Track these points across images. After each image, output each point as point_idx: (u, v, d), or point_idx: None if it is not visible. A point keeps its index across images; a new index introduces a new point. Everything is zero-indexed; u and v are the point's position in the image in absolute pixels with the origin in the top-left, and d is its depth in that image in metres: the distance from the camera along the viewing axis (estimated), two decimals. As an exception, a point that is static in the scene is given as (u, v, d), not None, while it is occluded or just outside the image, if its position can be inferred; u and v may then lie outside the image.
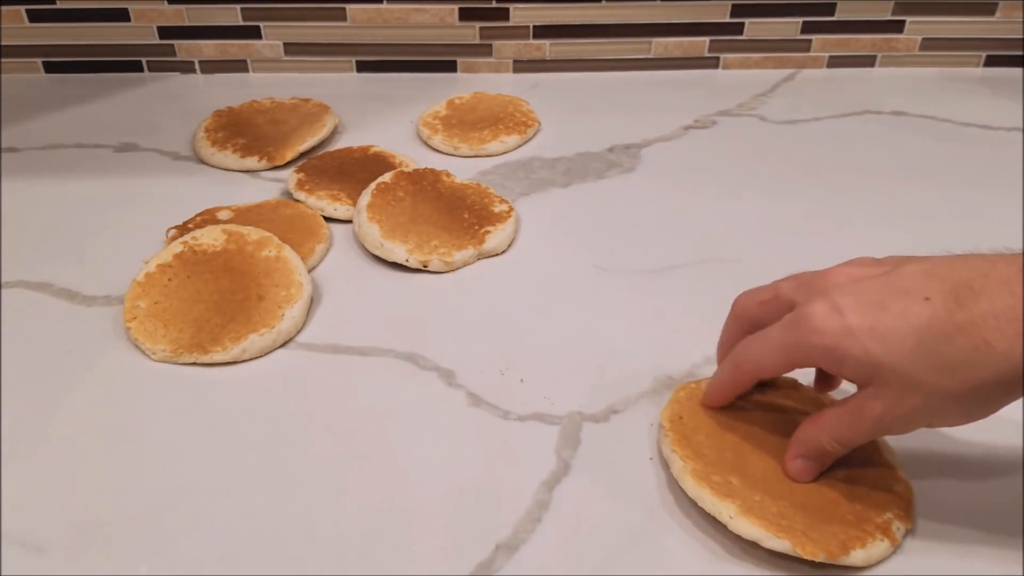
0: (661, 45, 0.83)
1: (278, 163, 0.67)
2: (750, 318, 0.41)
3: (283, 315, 0.50)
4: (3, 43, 0.82)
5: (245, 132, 0.71)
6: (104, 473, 0.42)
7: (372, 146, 0.69)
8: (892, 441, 0.42)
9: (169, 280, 0.53)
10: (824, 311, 0.36)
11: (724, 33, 0.82)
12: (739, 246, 0.59)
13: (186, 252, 0.54)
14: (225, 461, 0.43)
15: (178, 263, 0.54)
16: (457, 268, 0.56)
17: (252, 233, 0.56)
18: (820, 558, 0.36)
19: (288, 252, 0.55)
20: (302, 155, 0.69)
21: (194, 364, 0.49)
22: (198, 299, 0.52)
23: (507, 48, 0.83)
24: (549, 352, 0.50)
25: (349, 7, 0.80)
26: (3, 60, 0.83)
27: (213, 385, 0.48)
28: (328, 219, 0.61)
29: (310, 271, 0.57)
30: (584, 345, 0.50)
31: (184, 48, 0.83)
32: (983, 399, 0.34)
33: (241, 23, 0.81)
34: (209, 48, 0.83)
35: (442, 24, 0.81)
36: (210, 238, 0.55)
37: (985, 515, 0.39)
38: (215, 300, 0.52)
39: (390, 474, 0.42)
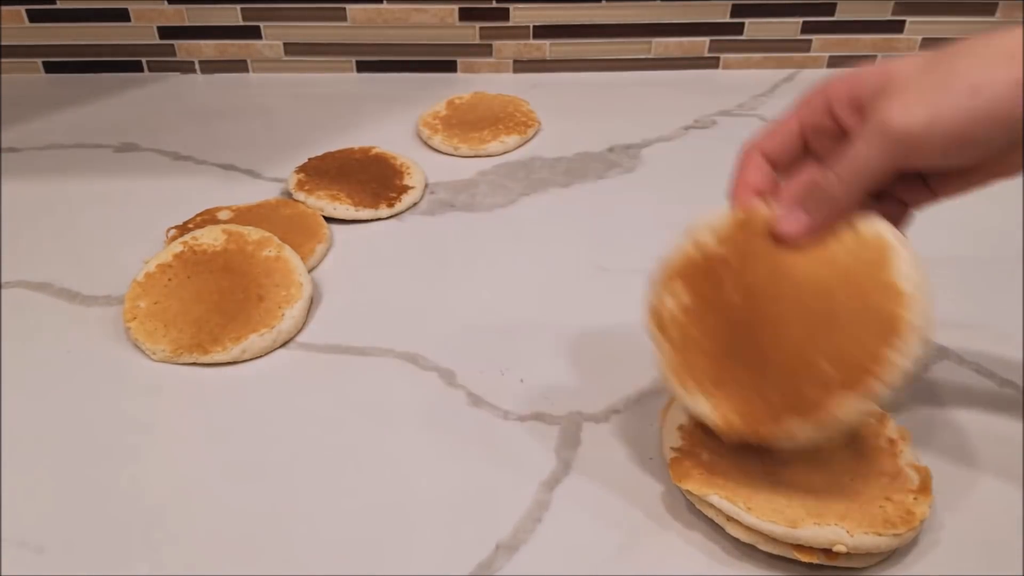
0: (661, 45, 0.83)
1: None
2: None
3: (283, 315, 0.50)
4: (3, 43, 0.82)
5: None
6: (104, 473, 0.42)
7: (373, 147, 0.69)
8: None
9: (169, 280, 0.53)
10: None
11: (724, 33, 0.82)
12: (739, 246, 0.58)
13: (186, 252, 0.54)
14: (225, 461, 0.43)
15: (178, 263, 0.54)
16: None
17: (252, 233, 0.56)
18: (817, 559, 0.36)
19: (288, 252, 0.55)
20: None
21: (194, 364, 0.49)
22: (198, 299, 0.52)
23: (507, 48, 0.83)
24: (549, 352, 0.50)
25: (349, 7, 0.80)
26: (3, 60, 0.83)
27: (213, 385, 0.48)
28: (328, 219, 0.61)
29: (310, 271, 0.57)
30: (584, 345, 0.50)
31: (184, 48, 0.83)
32: (989, 68, 0.33)
33: (241, 23, 0.81)
34: (209, 48, 0.83)
35: (442, 24, 0.81)
36: (210, 238, 0.55)
37: (993, 515, 0.40)
38: (215, 300, 0.52)
39: (390, 474, 0.42)
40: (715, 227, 0.38)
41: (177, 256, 0.54)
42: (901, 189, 0.38)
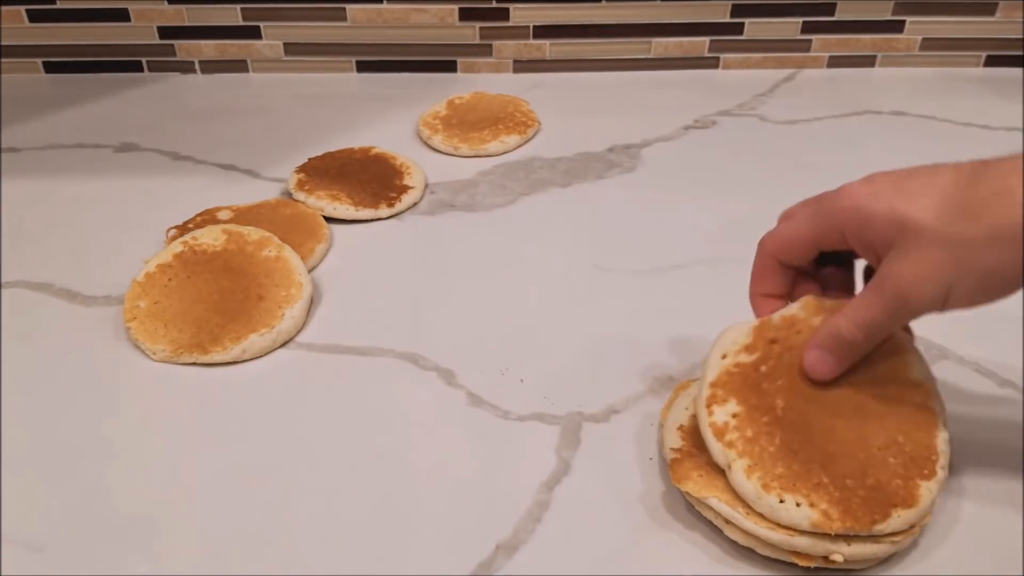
0: (661, 45, 0.83)
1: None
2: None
3: (283, 315, 0.50)
4: (3, 43, 0.82)
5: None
6: (104, 473, 0.42)
7: (373, 147, 0.69)
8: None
9: (169, 280, 0.53)
10: (858, 182, 0.37)
11: (724, 33, 0.82)
12: (739, 246, 0.58)
13: (186, 252, 0.54)
14: (225, 461, 0.43)
15: (178, 263, 0.54)
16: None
17: (252, 233, 0.56)
18: (815, 563, 0.36)
19: (288, 252, 0.55)
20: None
21: (194, 364, 0.49)
22: (198, 299, 0.52)
23: (507, 48, 0.83)
24: (549, 352, 0.50)
25: (349, 7, 0.80)
26: (3, 60, 0.83)
27: (213, 385, 0.48)
28: (328, 219, 0.61)
29: (310, 271, 0.56)
30: (584, 345, 0.50)
31: (184, 48, 0.83)
32: (1002, 251, 0.33)
33: (241, 23, 0.81)
34: (209, 48, 0.83)
35: (442, 24, 0.81)
36: (210, 238, 0.55)
37: (994, 514, 0.40)
38: (215, 300, 0.52)
39: (390, 474, 0.42)
40: (740, 341, 0.40)
41: (177, 256, 0.54)
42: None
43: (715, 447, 0.38)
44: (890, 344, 0.39)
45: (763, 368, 0.39)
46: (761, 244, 0.41)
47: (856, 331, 0.37)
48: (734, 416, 0.38)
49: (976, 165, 0.35)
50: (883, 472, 0.36)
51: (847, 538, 0.36)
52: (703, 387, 0.39)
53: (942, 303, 0.35)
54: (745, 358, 0.40)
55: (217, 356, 0.49)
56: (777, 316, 0.41)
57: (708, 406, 0.39)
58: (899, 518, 0.35)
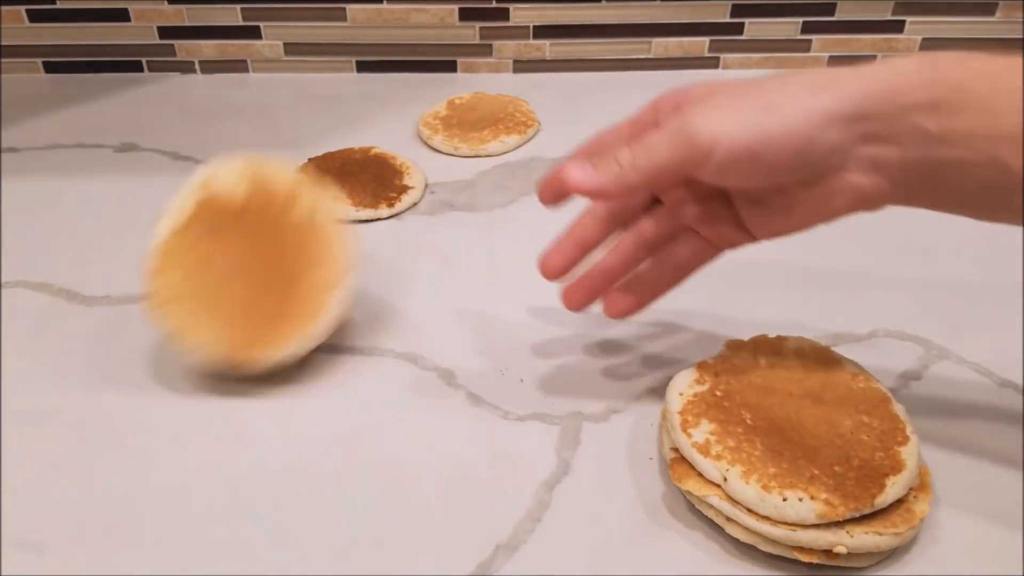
0: (661, 45, 0.83)
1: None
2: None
3: (328, 303, 0.43)
4: (3, 43, 0.82)
5: None
6: (104, 473, 0.42)
7: (373, 147, 0.69)
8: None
9: (193, 246, 0.43)
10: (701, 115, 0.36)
11: (724, 33, 0.82)
12: (739, 246, 0.58)
13: (204, 209, 0.45)
14: (225, 461, 0.43)
15: (200, 225, 0.45)
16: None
17: (278, 180, 0.46)
18: (817, 559, 0.36)
19: (326, 212, 0.46)
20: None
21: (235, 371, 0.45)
22: (233, 276, 0.44)
23: (507, 48, 0.83)
24: (549, 352, 0.50)
25: (349, 7, 0.80)
26: (3, 60, 0.83)
27: (214, 385, 0.48)
28: (328, 219, 0.61)
29: (310, 271, 0.56)
30: (584, 345, 0.50)
31: (184, 48, 0.83)
32: (792, 91, 0.34)
33: (241, 23, 0.81)
34: (209, 48, 0.83)
35: (442, 24, 0.81)
36: (229, 183, 0.46)
37: (994, 513, 0.40)
38: (255, 279, 0.44)
39: (390, 474, 0.42)
40: (690, 379, 0.42)
41: (196, 215, 0.46)
42: (714, 225, 0.40)
43: (705, 464, 0.38)
44: (821, 355, 0.43)
45: (718, 392, 0.41)
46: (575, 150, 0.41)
47: (627, 154, 0.36)
48: (712, 433, 0.39)
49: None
50: (863, 451, 0.38)
51: (849, 530, 0.36)
52: (673, 420, 0.40)
53: (716, 135, 0.34)
54: (699, 388, 0.42)
55: (268, 356, 0.43)
56: (710, 359, 0.43)
57: (684, 431, 0.39)
58: (895, 485, 0.36)
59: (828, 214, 0.36)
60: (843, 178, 0.35)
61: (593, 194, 0.37)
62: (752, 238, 0.40)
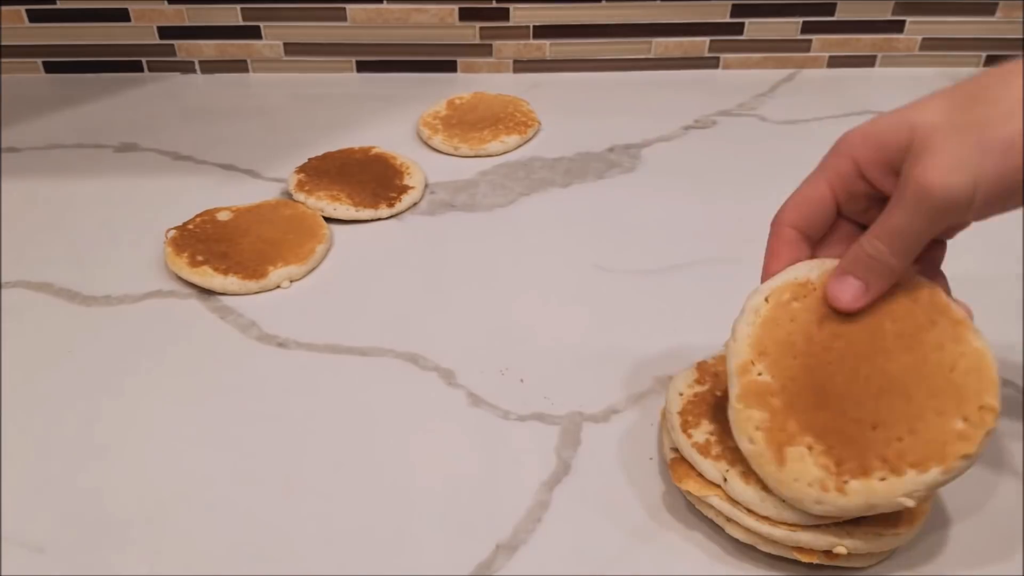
0: (661, 45, 0.83)
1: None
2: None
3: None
4: (3, 43, 0.82)
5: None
6: (104, 473, 0.42)
7: (373, 147, 0.69)
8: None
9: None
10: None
11: (724, 33, 0.82)
12: (739, 246, 0.58)
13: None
14: (225, 461, 0.43)
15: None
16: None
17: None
18: (817, 559, 0.36)
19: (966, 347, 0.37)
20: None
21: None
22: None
23: (507, 48, 0.83)
24: (549, 352, 0.50)
25: (349, 7, 0.80)
26: (3, 60, 0.83)
27: (214, 385, 0.48)
28: (328, 219, 0.61)
29: (310, 272, 0.57)
30: (584, 345, 0.50)
31: (184, 48, 0.83)
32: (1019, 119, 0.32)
33: (241, 23, 0.81)
34: (209, 48, 0.83)
35: (442, 24, 0.81)
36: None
37: (993, 513, 0.40)
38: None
39: (390, 474, 0.42)
40: (689, 378, 0.42)
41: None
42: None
43: (705, 465, 0.38)
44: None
45: (718, 392, 0.41)
46: (776, 218, 0.38)
47: (879, 244, 0.34)
48: (711, 434, 0.39)
49: (973, 75, 0.34)
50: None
51: (849, 530, 0.36)
52: (673, 420, 0.40)
53: (971, 191, 0.32)
54: (699, 388, 0.41)
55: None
56: (711, 358, 0.43)
57: (684, 431, 0.39)
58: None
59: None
60: None
61: (869, 301, 0.36)
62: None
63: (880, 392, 0.35)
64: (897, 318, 0.36)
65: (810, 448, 0.34)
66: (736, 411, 0.36)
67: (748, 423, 0.36)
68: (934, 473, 0.33)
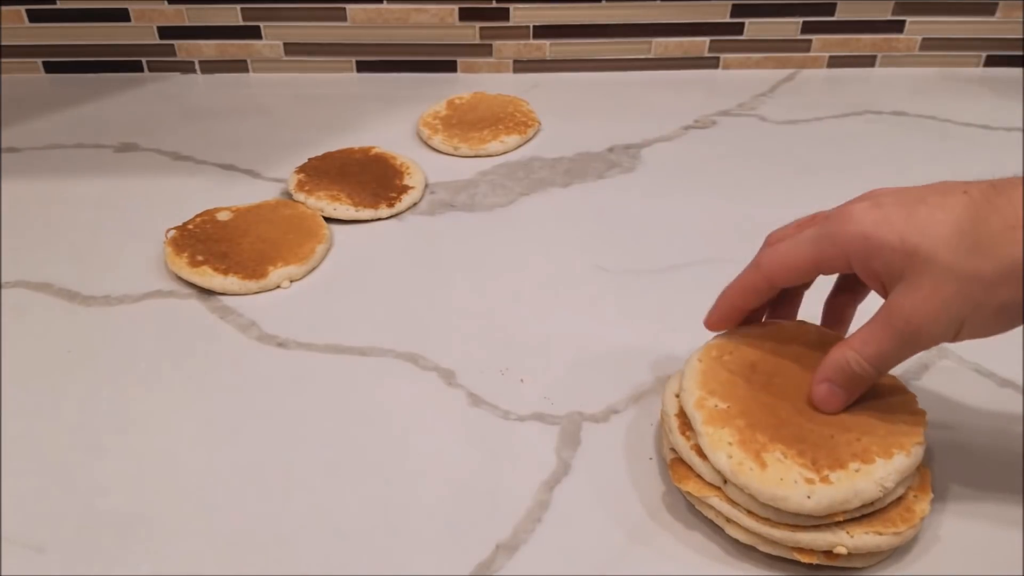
0: (661, 45, 0.83)
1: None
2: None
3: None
4: (3, 43, 0.82)
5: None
6: (104, 473, 0.42)
7: (373, 147, 0.69)
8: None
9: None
10: (863, 205, 0.36)
11: (724, 33, 0.82)
12: (739, 246, 0.58)
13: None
14: (225, 461, 0.43)
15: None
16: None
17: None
18: (817, 560, 0.36)
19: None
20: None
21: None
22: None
23: (507, 48, 0.83)
24: (549, 352, 0.50)
25: (349, 7, 0.80)
26: (3, 60, 0.83)
27: (214, 385, 0.48)
28: (328, 219, 0.61)
29: (310, 272, 0.57)
30: (584, 345, 0.50)
31: (184, 48, 0.83)
32: (1016, 286, 0.33)
33: (241, 23, 0.81)
34: (209, 48, 0.83)
35: (442, 24, 0.81)
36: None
37: (994, 513, 0.40)
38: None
39: (390, 474, 0.42)
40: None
41: None
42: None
43: (703, 467, 0.38)
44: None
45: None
46: (757, 265, 0.40)
47: (866, 365, 0.37)
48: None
49: (987, 190, 0.34)
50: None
51: (849, 530, 0.36)
52: (671, 422, 0.40)
53: (953, 336, 0.35)
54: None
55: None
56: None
57: (683, 433, 0.39)
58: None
59: None
60: None
61: (848, 404, 0.38)
62: None
63: None
64: (816, 362, 0.39)
65: (784, 454, 0.36)
66: (707, 435, 0.37)
67: (720, 441, 0.37)
68: (899, 458, 0.36)
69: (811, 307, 0.44)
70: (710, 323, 0.43)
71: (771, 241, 0.41)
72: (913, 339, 0.35)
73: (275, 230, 0.59)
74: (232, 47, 0.83)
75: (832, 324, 0.44)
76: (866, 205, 0.36)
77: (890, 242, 0.35)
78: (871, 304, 0.38)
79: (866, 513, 0.36)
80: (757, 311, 0.42)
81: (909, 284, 0.34)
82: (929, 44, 0.83)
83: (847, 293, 0.43)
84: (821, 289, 0.43)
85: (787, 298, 0.43)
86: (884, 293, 0.37)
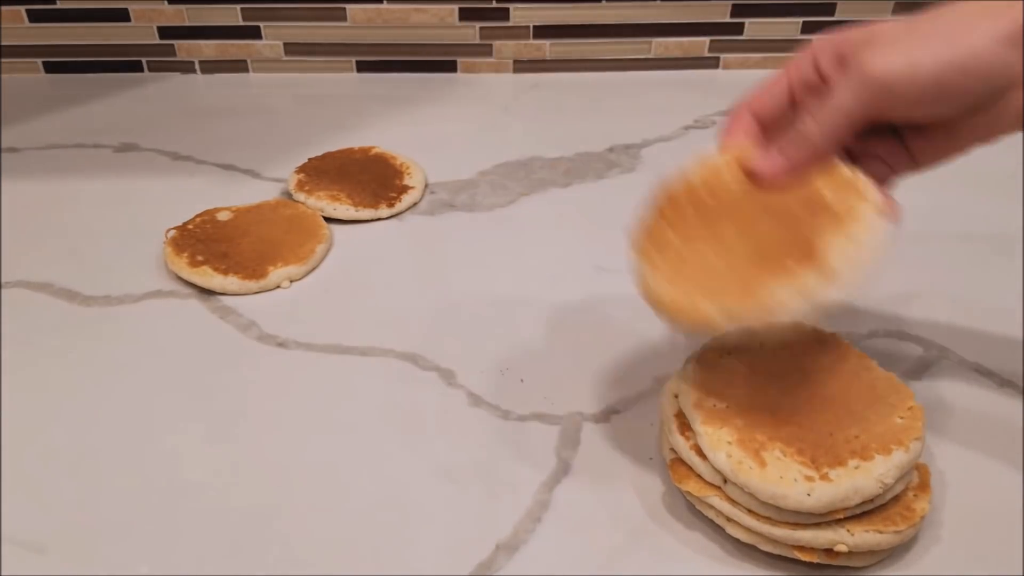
0: (661, 45, 0.83)
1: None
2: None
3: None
4: (3, 43, 0.82)
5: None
6: (104, 473, 0.42)
7: (373, 147, 0.69)
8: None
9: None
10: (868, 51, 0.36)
11: (724, 33, 0.82)
12: (739, 246, 0.58)
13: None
14: (224, 461, 0.43)
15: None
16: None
17: None
18: (817, 558, 0.36)
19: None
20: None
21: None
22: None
23: (507, 48, 0.83)
24: (549, 352, 0.50)
25: (349, 7, 0.80)
26: (3, 60, 0.83)
27: (215, 386, 0.48)
28: (328, 219, 0.61)
29: (310, 272, 0.57)
30: (584, 345, 0.50)
31: (184, 48, 0.83)
32: (966, 16, 0.34)
33: (241, 23, 0.81)
34: (209, 48, 0.83)
35: (442, 24, 0.81)
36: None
37: (994, 512, 0.40)
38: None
39: (390, 474, 0.42)
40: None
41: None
42: (881, 152, 0.39)
43: (702, 467, 0.38)
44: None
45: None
46: (737, 102, 0.39)
47: (810, 120, 0.36)
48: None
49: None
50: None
51: (850, 528, 0.36)
52: (670, 422, 0.40)
53: (908, 72, 0.34)
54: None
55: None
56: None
57: (682, 433, 0.39)
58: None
59: (992, 135, 0.36)
60: (1011, 99, 0.34)
61: (790, 175, 0.37)
62: (916, 165, 0.39)
63: (824, 408, 0.38)
64: (813, 361, 0.40)
65: (783, 452, 0.36)
66: (706, 434, 0.38)
67: (720, 441, 0.37)
68: (898, 455, 0.36)
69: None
70: (729, 131, 0.40)
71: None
72: (861, 79, 0.35)
73: (275, 230, 0.59)
74: (232, 47, 0.83)
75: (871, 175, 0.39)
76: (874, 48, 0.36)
77: (854, 30, 0.37)
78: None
79: (866, 511, 0.36)
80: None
81: (871, 46, 0.35)
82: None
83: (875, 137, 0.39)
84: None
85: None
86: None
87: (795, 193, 0.37)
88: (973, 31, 0.34)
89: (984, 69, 0.34)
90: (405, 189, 0.64)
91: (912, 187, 0.38)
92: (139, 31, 0.82)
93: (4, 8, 0.80)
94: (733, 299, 0.35)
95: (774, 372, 0.40)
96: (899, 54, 0.34)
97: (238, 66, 0.84)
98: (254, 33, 0.82)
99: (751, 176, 0.38)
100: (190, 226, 0.59)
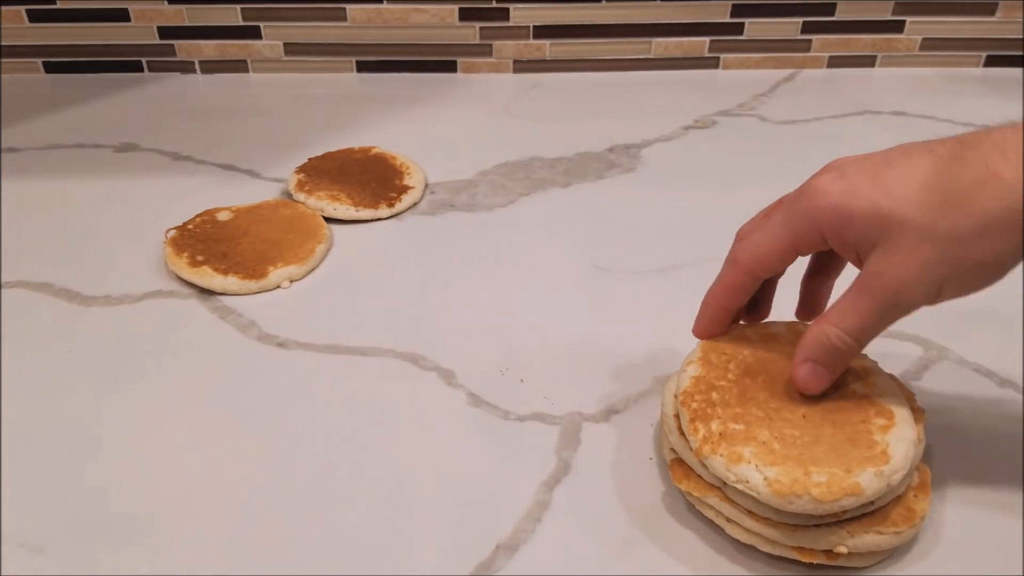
0: (661, 45, 0.83)
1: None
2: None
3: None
4: (3, 43, 0.82)
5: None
6: (104, 473, 0.42)
7: (373, 147, 0.69)
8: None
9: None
10: (828, 177, 0.35)
11: (724, 33, 0.82)
12: (739, 246, 0.59)
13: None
14: (225, 461, 0.43)
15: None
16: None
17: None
18: (817, 559, 0.36)
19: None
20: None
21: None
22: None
23: (507, 48, 0.83)
24: (549, 352, 0.50)
25: (349, 7, 0.80)
26: (3, 60, 0.83)
27: (214, 385, 0.48)
28: (328, 219, 0.61)
29: (310, 272, 0.57)
30: (584, 345, 0.50)
31: (184, 48, 0.83)
32: (995, 241, 0.32)
33: (241, 23, 0.81)
34: (209, 48, 0.83)
35: (442, 24, 0.81)
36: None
37: (994, 512, 0.40)
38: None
39: (390, 474, 0.42)
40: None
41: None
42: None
43: (702, 468, 0.38)
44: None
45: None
46: (734, 261, 0.39)
47: (847, 338, 0.36)
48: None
49: (953, 147, 0.33)
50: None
51: (850, 529, 0.36)
52: (669, 422, 0.40)
53: (934, 298, 0.34)
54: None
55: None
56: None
57: (681, 433, 0.39)
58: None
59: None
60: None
61: (831, 383, 0.38)
62: None
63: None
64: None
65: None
66: (705, 436, 0.37)
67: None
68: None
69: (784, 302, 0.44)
70: (698, 331, 0.42)
71: (741, 235, 0.40)
72: (893, 305, 0.34)
73: (275, 230, 0.59)
74: (232, 47, 0.83)
75: (809, 307, 0.43)
76: (831, 177, 0.35)
77: (861, 210, 0.34)
78: (845, 282, 0.38)
79: (867, 512, 0.36)
80: (740, 311, 0.42)
81: (885, 250, 0.33)
82: (929, 44, 0.83)
83: (820, 274, 0.42)
84: (792, 279, 0.43)
85: (761, 293, 0.42)
86: (860, 264, 0.36)
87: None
88: (1002, 247, 0.33)
89: (995, 271, 0.34)
90: (405, 189, 0.64)
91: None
92: (139, 31, 0.82)
93: (4, 8, 0.80)
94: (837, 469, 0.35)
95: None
96: (928, 282, 0.34)
97: (238, 66, 0.84)
98: (254, 33, 0.82)
99: (799, 389, 0.38)
100: (190, 226, 0.59)
